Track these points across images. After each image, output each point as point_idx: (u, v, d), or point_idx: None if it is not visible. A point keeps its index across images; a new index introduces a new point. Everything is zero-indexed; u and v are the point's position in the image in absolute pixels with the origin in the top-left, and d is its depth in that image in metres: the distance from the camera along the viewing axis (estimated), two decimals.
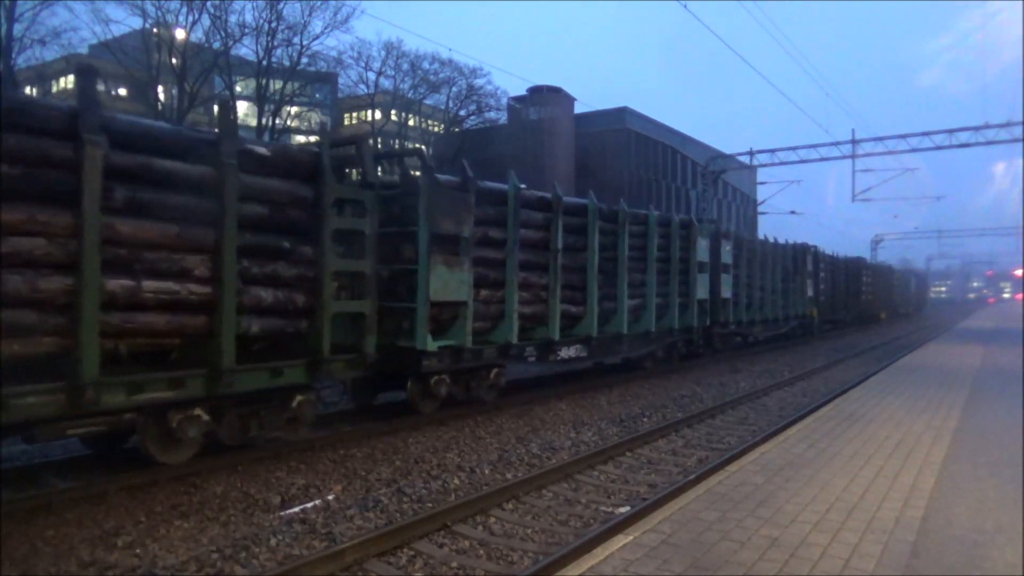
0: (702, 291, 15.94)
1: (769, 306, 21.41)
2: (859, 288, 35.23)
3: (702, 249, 15.97)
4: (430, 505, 6.15)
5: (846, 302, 32.50)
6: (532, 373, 13.75)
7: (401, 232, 9.10)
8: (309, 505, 6.09)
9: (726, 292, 17.50)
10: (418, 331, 8.80)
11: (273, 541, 5.21)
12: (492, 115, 47.50)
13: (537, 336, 11.26)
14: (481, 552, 5.25)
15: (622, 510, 6.15)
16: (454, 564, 4.99)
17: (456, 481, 6.94)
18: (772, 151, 32.15)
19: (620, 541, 4.25)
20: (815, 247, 26.37)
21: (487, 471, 7.34)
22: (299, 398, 7.45)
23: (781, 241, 24.74)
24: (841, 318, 31.82)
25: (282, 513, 5.89)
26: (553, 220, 11.27)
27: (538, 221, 11.13)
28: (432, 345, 8.89)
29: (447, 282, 8.92)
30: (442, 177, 9.54)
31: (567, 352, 11.80)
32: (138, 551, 5.01)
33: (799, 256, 24.22)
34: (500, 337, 10.37)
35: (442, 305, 9.03)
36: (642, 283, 14.02)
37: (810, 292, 25.12)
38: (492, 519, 5.96)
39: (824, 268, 27.99)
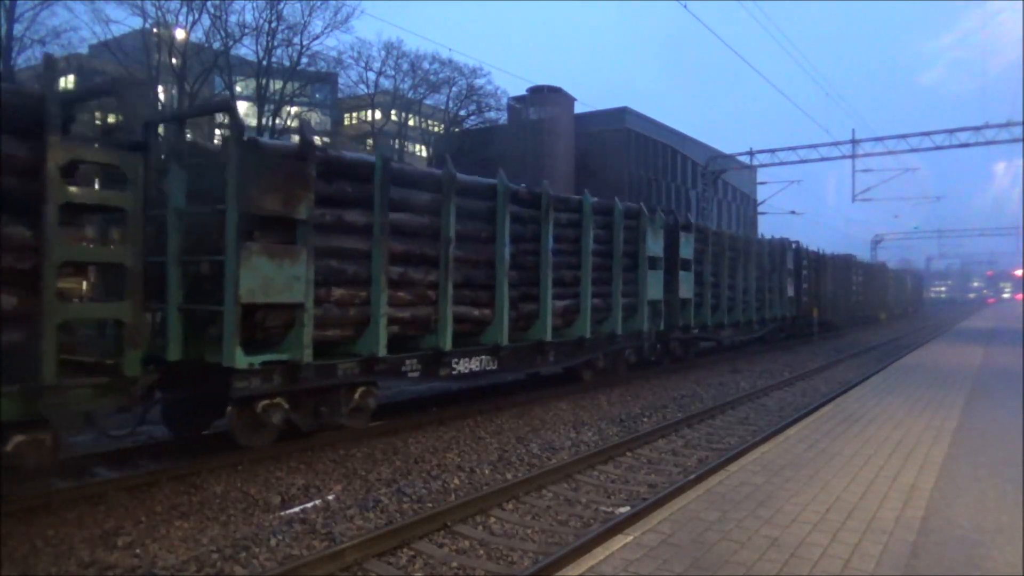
0: (655, 291, 13.82)
1: (741, 308, 19.06)
2: (849, 287, 32.73)
3: (654, 242, 13.85)
4: (430, 505, 6.15)
5: (834, 302, 30.08)
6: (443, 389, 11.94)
7: (212, 214, 7.00)
8: (309, 505, 6.09)
9: (686, 292, 15.25)
10: (225, 342, 6.65)
11: (273, 541, 5.21)
12: (492, 115, 47.62)
13: (424, 346, 9.15)
14: (481, 552, 5.26)
15: (622, 510, 6.15)
16: (454, 564, 4.99)
17: (456, 481, 6.94)
18: (772, 151, 32.22)
19: (620, 541, 4.25)
20: (797, 242, 24.31)
21: (487, 471, 7.34)
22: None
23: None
24: (828, 320, 29.12)
25: (282, 513, 5.89)
26: (444, 202, 9.11)
27: (423, 203, 8.94)
28: (243, 361, 6.68)
29: (271, 279, 6.76)
30: (270, 141, 7.97)
31: (466, 365, 9.65)
32: (138, 551, 5.01)
33: (778, 252, 22.21)
34: (365, 348, 8.15)
35: (267, 308, 6.92)
36: (574, 281, 11.88)
37: (791, 292, 22.93)
38: (492, 519, 5.96)
39: (809, 266, 25.76)
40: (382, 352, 8.16)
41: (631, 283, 13.41)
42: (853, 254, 34.79)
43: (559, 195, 11.52)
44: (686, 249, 15.30)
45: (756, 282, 20.14)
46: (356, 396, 8.10)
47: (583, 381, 12.77)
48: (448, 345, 9.16)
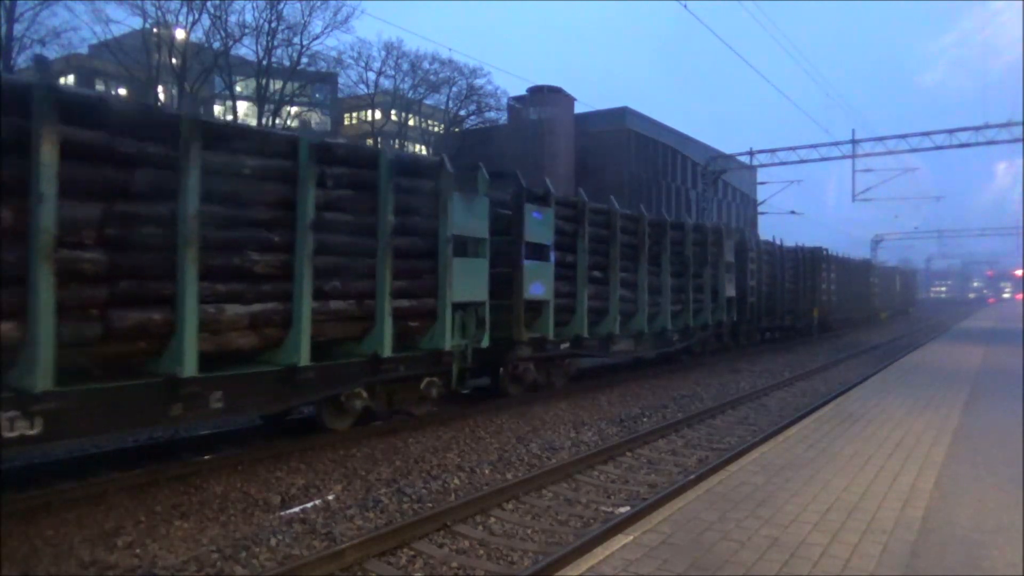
0: (467, 289, 9.19)
1: (647, 313, 14.21)
2: (815, 286, 27.20)
3: (468, 216, 9.22)
4: (430, 505, 6.15)
5: (796, 304, 24.78)
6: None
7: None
8: (309, 505, 6.09)
9: (538, 290, 10.89)
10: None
11: (273, 541, 5.21)
12: (492, 115, 47.66)
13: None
14: (481, 552, 5.26)
15: (622, 510, 6.15)
16: (454, 564, 4.99)
17: (456, 481, 6.94)
18: (772, 151, 32.19)
19: (620, 541, 4.25)
20: (741, 229, 20.77)
21: (487, 471, 7.34)
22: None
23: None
24: (786, 325, 24.23)
25: (282, 513, 5.89)
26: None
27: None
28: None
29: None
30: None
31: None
32: (138, 551, 5.01)
33: (711, 241, 17.20)
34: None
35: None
36: (312, 274, 7.26)
37: (730, 292, 18.04)
38: (492, 519, 5.96)
39: (759, 259, 21.25)
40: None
41: (426, 276, 8.77)
42: (824, 248, 29.54)
43: (318, 141, 7.65)
44: (540, 230, 10.91)
45: (675, 279, 15.52)
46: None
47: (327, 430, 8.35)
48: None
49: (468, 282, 9.27)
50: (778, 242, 24.20)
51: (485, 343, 9.62)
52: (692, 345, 16.94)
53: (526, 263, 10.66)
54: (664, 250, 15.15)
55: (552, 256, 11.31)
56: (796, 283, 25.00)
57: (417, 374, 8.82)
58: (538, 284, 10.96)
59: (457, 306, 9.13)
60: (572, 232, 12.07)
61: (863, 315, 37.19)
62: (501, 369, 10.95)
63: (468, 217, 9.30)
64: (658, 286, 14.97)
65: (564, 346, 11.91)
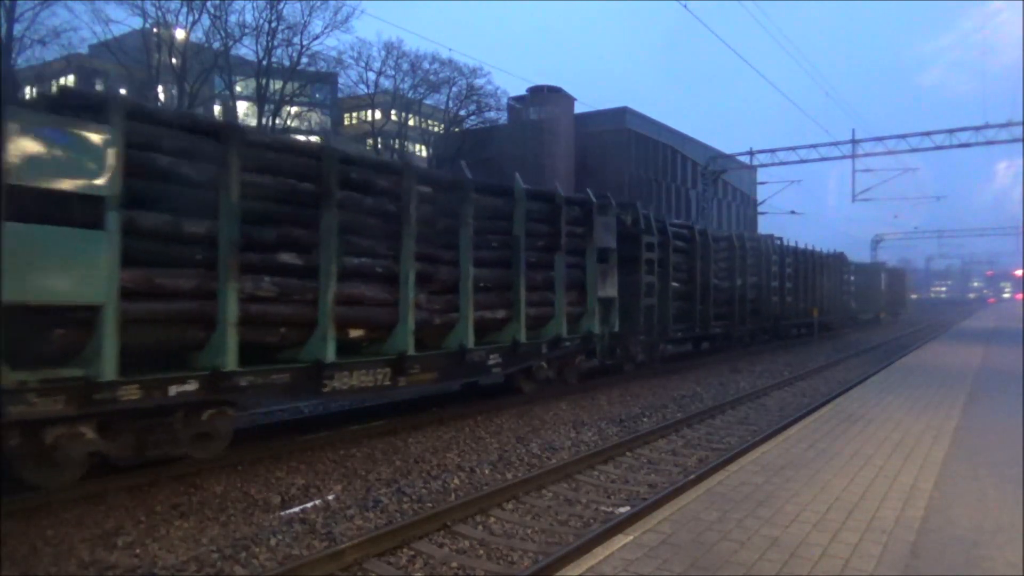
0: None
1: (410, 323, 8.65)
2: (767, 284, 21.56)
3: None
4: (430, 505, 6.15)
5: (731, 307, 19.13)
6: None
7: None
8: (309, 505, 6.09)
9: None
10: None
11: (273, 541, 5.21)
12: (492, 115, 47.59)
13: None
14: (481, 552, 5.25)
15: (622, 510, 6.15)
16: (454, 564, 4.99)
17: (456, 481, 6.94)
18: (772, 151, 32.21)
19: (620, 541, 4.25)
20: (632, 203, 14.96)
21: (487, 471, 7.34)
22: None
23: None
24: (713, 334, 18.57)
25: (282, 513, 5.89)
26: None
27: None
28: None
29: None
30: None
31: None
32: (138, 551, 5.01)
33: (571, 218, 11.97)
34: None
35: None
36: None
37: (609, 291, 12.70)
38: (492, 519, 5.96)
39: (669, 247, 15.78)
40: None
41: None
42: (780, 237, 24.38)
43: None
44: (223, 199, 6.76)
45: (489, 269, 10.25)
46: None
47: None
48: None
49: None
50: (699, 226, 18.70)
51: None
52: (533, 370, 11.36)
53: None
54: (464, 225, 9.65)
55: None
56: (731, 279, 19.21)
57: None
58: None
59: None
60: (321, 194, 7.83)
61: (836, 319, 30.78)
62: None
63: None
64: (451, 280, 9.54)
65: (256, 381, 7.05)
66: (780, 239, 24.73)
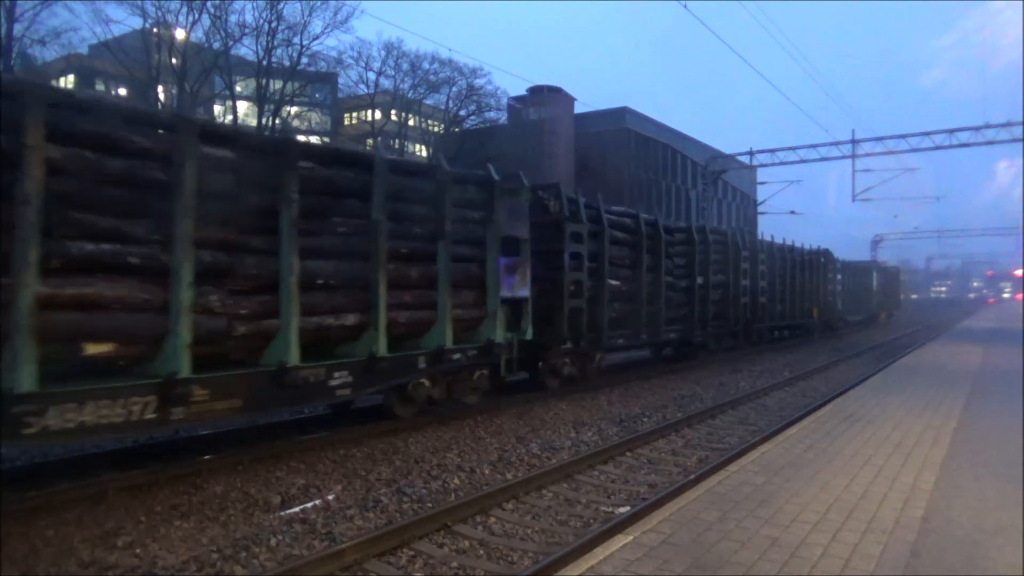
0: None
1: (290, 336, 7.06)
2: (734, 283, 19.15)
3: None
4: (430, 505, 6.15)
5: (697, 309, 16.85)
6: None
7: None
8: (309, 505, 6.10)
9: None
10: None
11: (273, 541, 5.21)
12: (492, 115, 47.60)
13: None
14: (481, 552, 5.26)
15: (622, 510, 6.15)
16: (454, 564, 4.99)
17: (456, 481, 6.94)
18: (772, 151, 32.24)
19: (620, 541, 4.25)
20: (555, 184, 12.55)
21: (487, 471, 7.34)
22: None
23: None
24: (663, 340, 15.99)
25: (282, 513, 5.89)
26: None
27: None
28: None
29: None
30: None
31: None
32: (138, 551, 5.01)
33: (463, 201, 9.63)
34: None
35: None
36: None
37: (516, 291, 10.41)
38: (492, 519, 5.96)
39: (601, 238, 13.01)
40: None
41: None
42: (759, 233, 22.22)
43: None
44: None
45: (338, 262, 7.90)
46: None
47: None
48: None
49: None
50: (647, 215, 15.43)
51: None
52: (409, 390, 8.93)
53: None
54: (287, 202, 7.17)
55: None
56: (690, 277, 16.75)
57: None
58: None
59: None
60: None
61: (818, 321, 28.02)
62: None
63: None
64: (265, 275, 7.07)
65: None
66: (748, 234, 22.63)
